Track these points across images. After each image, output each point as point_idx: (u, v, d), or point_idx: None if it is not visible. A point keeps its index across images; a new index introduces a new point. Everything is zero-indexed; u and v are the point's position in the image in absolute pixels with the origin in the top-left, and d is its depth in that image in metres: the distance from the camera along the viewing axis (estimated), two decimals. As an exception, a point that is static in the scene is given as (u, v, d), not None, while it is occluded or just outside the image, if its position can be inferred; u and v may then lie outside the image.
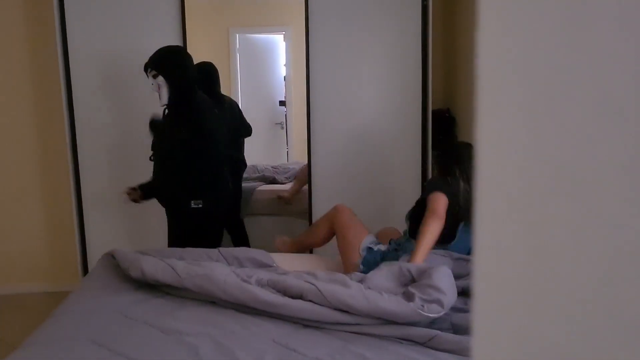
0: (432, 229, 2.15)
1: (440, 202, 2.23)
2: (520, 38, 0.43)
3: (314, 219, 3.21)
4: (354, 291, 1.82)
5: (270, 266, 2.28)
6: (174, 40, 3.06)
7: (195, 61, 3.22)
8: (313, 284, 1.86)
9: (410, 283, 1.95)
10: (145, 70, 2.57)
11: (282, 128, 3.88)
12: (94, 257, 3.15)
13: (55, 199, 3.49)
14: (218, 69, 3.16)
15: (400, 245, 2.37)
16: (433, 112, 3.20)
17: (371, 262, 2.31)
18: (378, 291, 1.88)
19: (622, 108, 0.39)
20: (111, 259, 2.28)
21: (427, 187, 2.38)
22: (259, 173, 3.59)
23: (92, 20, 3.07)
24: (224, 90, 3.56)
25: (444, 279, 1.85)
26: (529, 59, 0.43)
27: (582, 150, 0.41)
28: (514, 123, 0.44)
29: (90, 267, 3.17)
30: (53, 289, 3.50)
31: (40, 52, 3.36)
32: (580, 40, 0.41)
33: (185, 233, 2.63)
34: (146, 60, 2.57)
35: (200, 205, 2.53)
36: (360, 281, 2.00)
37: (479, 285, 0.48)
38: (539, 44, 0.42)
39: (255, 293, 1.83)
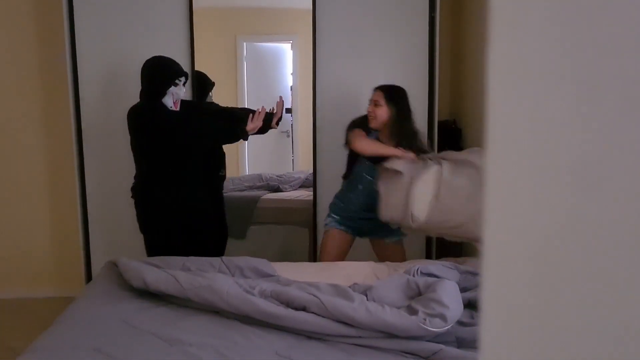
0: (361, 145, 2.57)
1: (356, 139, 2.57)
2: (529, 47, 0.43)
3: (318, 228, 3.21)
4: (356, 304, 1.81)
5: (272, 275, 2.28)
6: (182, 48, 3.08)
7: (202, 70, 3.25)
8: (316, 296, 1.85)
9: (416, 296, 1.94)
10: (177, 78, 2.59)
11: (288, 136, 3.88)
12: (98, 263, 3.16)
13: (61, 204, 3.50)
14: (225, 77, 3.19)
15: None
16: (439, 123, 3.19)
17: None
18: (381, 303, 1.87)
19: (629, 119, 0.39)
20: (114, 267, 2.28)
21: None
22: (264, 182, 3.59)
23: (101, 28, 3.09)
24: (231, 98, 3.59)
25: (448, 292, 1.84)
26: (538, 65, 0.43)
27: (591, 159, 0.41)
28: (523, 132, 0.44)
29: (94, 272, 3.18)
30: (57, 294, 3.50)
31: (49, 59, 3.38)
32: (590, 51, 0.40)
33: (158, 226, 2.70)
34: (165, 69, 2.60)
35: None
36: (366, 291, 1.99)
37: (487, 298, 0.47)
38: (548, 50, 0.42)
39: (257, 304, 1.83)
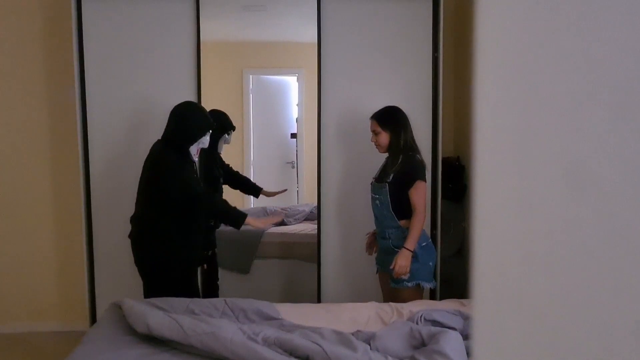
0: (420, 224, 2.55)
1: (423, 196, 2.57)
2: (518, 46, 0.44)
3: (322, 263, 3.21)
4: (359, 354, 1.81)
5: (276, 318, 2.28)
6: (189, 82, 3.12)
7: (209, 103, 3.28)
8: (319, 345, 1.85)
9: (420, 346, 1.93)
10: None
11: (293, 167, 3.90)
12: (103, 298, 3.16)
13: (67, 238, 3.52)
14: (232, 110, 3.22)
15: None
16: (443, 160, 3.20)
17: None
18: (385, 353, 1.87)
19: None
20: (118, 309, 2.29)
21: (409, 175, 2.59)
22: (268, 215, 3.59)
23: (110, 61, 3.13)
24: (237, 131, 3.61)
25: (452, 344, 1.84)
26: (527, 68, 0.44)
27: (582, 162, 0.42)
28: (512, 136, 0.45)
29: (99, 307, 3.18)
30: (62, 329, 3.50)
31: (58, 96, 3.43)
32: (577, 56, 0.41)
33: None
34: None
35: None
36: (369, 340, 1.99)
37: (478, 304, 0.48)
38: (536, 54, 0.43)
39: (261, 354, 1.82)
